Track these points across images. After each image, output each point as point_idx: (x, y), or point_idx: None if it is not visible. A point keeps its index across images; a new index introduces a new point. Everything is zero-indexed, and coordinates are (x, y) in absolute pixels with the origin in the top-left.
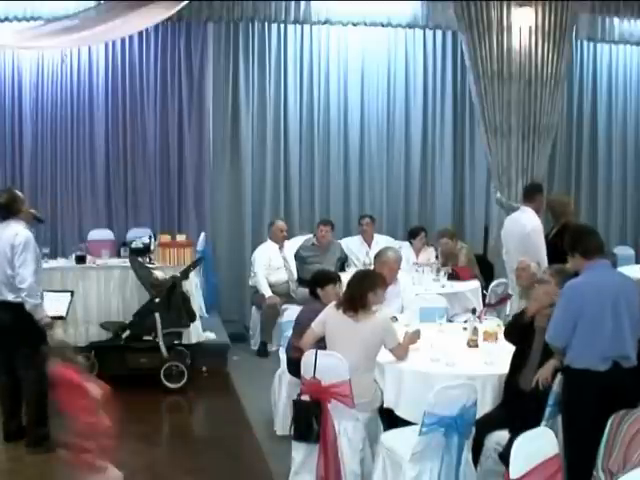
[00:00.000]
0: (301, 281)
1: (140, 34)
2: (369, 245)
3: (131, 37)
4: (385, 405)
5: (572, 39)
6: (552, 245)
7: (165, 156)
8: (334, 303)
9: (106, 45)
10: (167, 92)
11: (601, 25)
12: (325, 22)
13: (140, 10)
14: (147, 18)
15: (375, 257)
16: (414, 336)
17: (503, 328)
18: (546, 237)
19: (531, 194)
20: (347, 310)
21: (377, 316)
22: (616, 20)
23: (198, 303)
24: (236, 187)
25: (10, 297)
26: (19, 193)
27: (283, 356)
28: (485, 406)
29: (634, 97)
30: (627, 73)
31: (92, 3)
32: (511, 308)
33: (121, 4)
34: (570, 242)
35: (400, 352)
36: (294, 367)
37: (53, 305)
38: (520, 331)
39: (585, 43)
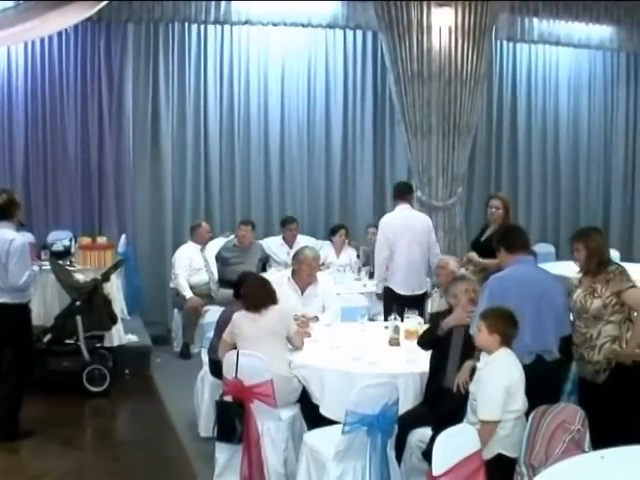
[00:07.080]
0: (222, 282)
1: (60, 34)
2: (290, 246)
3: (51, 37)
4: (314, 401)
5: (492, 39)
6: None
7: (85, 157)
8: (241, 311)
9: (25, 45)
10: (87, 92)
11: (520, 25)
12: (245, 22)
13: (60, 10)
14: (67, 18)
15: (293, 257)
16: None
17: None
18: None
19: (405, 192)
20: (257, 310)
21: (277, 305)
22: (535, 20)
23: (120, 305)
24: (157, 188)
25: (5, 299)
26: (16, 196)
27: (205, 357)
28: (407, 404)
29: (553, 96)
30: (546, 72)
31: (10, 3)
32: (432, 306)
33: (40, 4)
34: (496, 238)
35: (298, 340)
36: (216, 368)
37: None
38: (433, 342)
39: (505, 43)
